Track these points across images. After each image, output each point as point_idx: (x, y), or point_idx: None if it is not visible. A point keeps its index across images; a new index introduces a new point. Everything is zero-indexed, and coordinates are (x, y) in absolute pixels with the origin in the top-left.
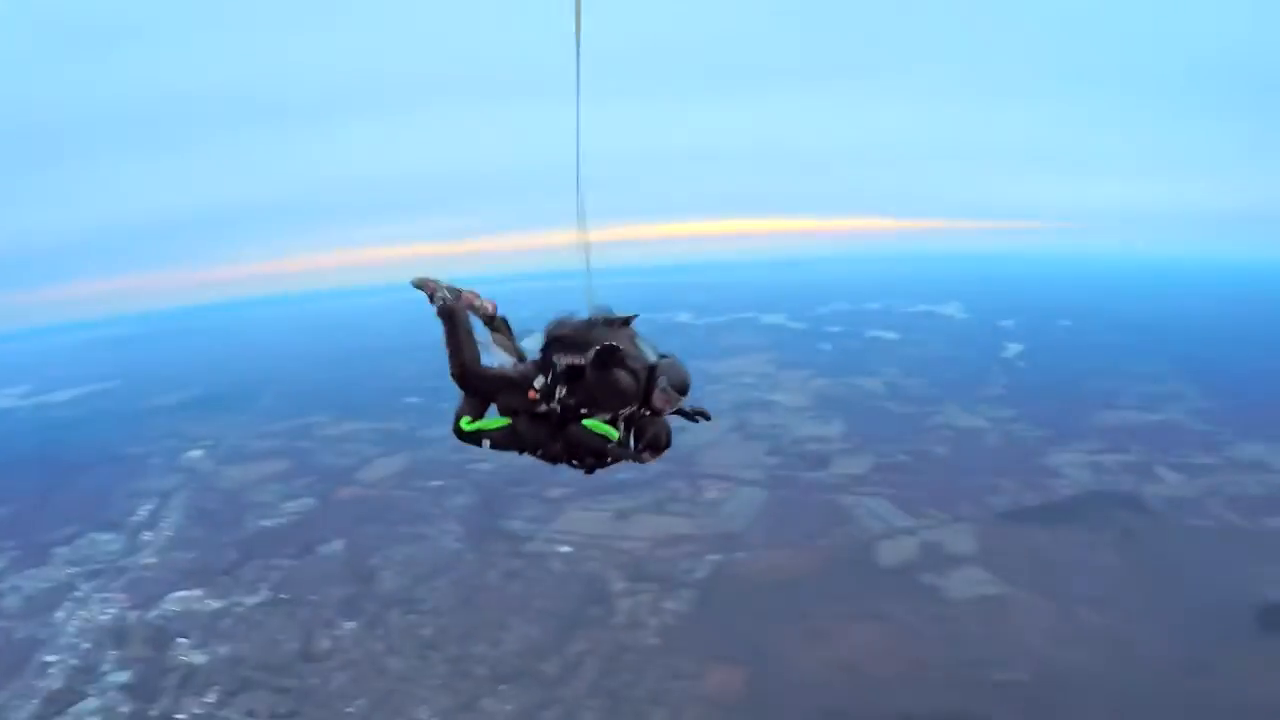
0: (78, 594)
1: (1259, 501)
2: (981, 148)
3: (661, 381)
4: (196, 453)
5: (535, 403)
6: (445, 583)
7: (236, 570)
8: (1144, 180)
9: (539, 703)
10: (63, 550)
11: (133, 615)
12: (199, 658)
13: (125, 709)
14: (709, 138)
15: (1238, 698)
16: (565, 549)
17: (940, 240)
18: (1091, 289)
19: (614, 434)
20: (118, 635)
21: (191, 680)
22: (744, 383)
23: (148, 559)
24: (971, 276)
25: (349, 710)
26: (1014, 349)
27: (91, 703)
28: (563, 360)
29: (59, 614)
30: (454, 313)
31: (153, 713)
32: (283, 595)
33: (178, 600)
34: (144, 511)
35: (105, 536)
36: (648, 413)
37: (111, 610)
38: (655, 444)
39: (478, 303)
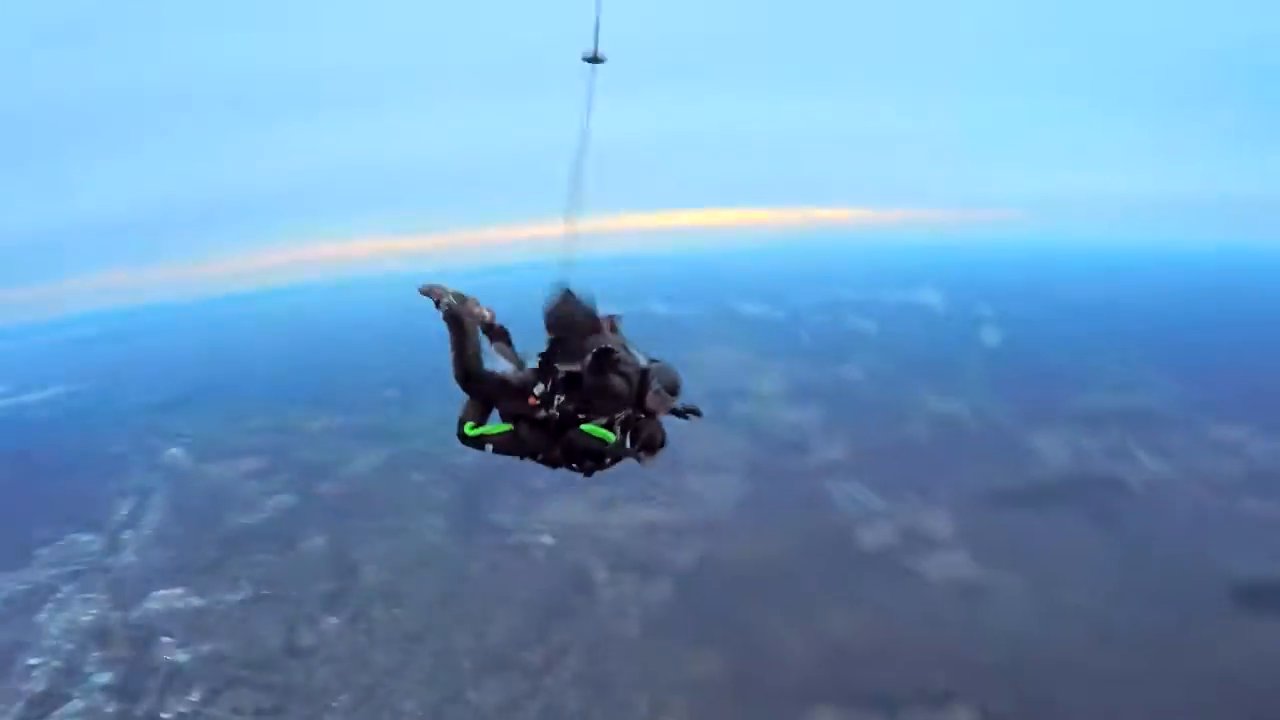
0: (59, 595)
1: (1234, 482)
2: (958, 137)
3: (654, 384)
4: (176, 450)
5: (535, 408)
6: (428, 576)
7: (218, 568)
8: (1118, 169)
9: (524, 693)
10: (43, 551)
11: (115, 615)
12: (183, 656)
13: (110, 710)
14: (684, 128)
15: (1212, 673)
16: (548, 540)
17: (917, 229)
18: (1068, 276)
19: (611, 437)
20: (100, 636)
21: (176, 679)
22: (722, 372)
23: (129, 558)
24: (948, 264)
25: (334, 705)
26: (991, 335)
27: (76, 704)
28: (561, 368)
29: (40, 616)
30: (459, 318)
31: (137, 713)
32: (265, 592)
33: (160, 599)
34: (124, 511)
35: (86, 537)
36: (642, 415)
37: (94, 611)
38: (651, 445)
39: (476, 310)
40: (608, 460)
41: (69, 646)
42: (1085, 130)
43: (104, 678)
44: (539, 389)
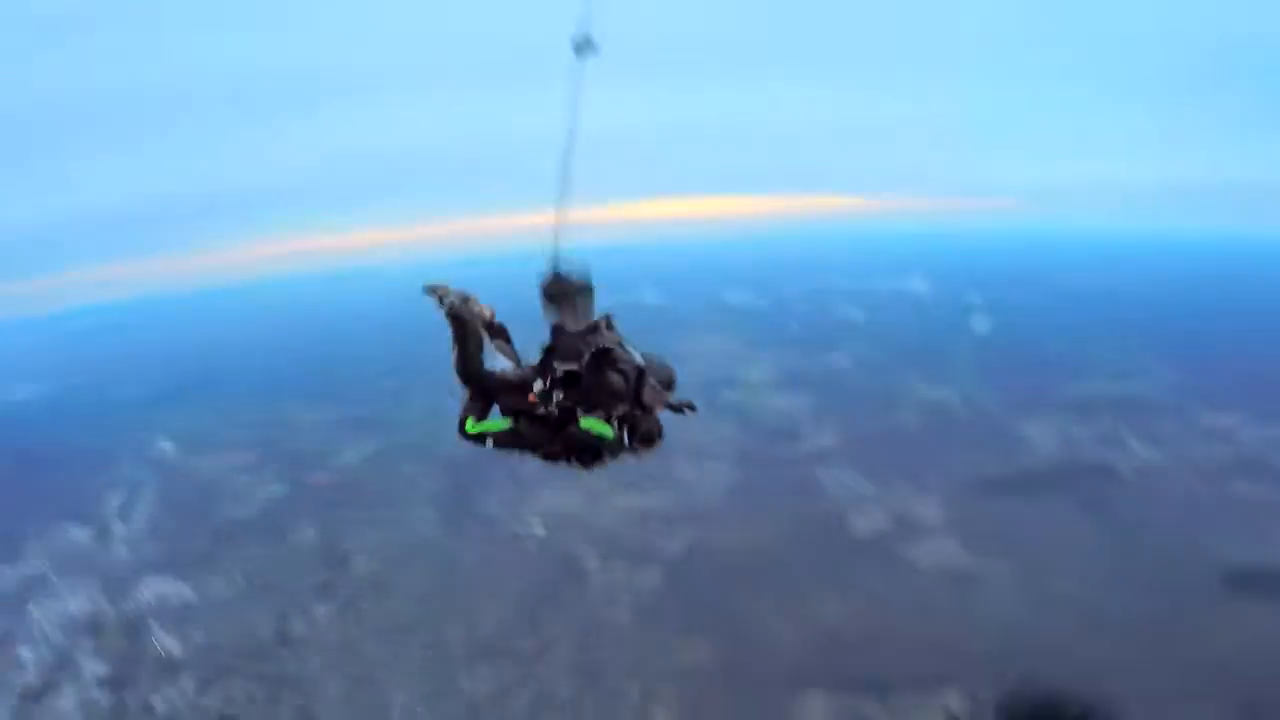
0: (51, 587)
1: (1225, 469)
2: (956, 124)
3: (650, 380)
4: (166, 443)
5: (535, 405)
6: (419, 566)
7: (210, 559)
8: (1120, 156)
9: (515, 680)
10: (34, 544)
11: (107, 607)
12: (175, 646)
13: (103, 701)
14: (676, 116)
15: (1202, 658)
16: (538, 529)
17: (909, 216)
18: (1063, 264)
19: (609, 432)
20: (93, 627)
21: (168, 669)
22: (712, 360)
23: (120, 550)
24: (940, 252)
25: (326, 694)
26: (981, 323)
27: (69, 696)
28: (560, 367)
29: (32, 608)
30: (462, 317)
31: (130, 703)
32: (256, 582)
33: (152, 590)
34: (115, 503)
35: (77, 529)
36: (639, 410)
37: (85, 603)
38: (648, 438)
39: (477, 308)
40: (606, 454)
41: (61, 638)
42: (1086, 118)
43: (96, 668)
44: (538, 386)
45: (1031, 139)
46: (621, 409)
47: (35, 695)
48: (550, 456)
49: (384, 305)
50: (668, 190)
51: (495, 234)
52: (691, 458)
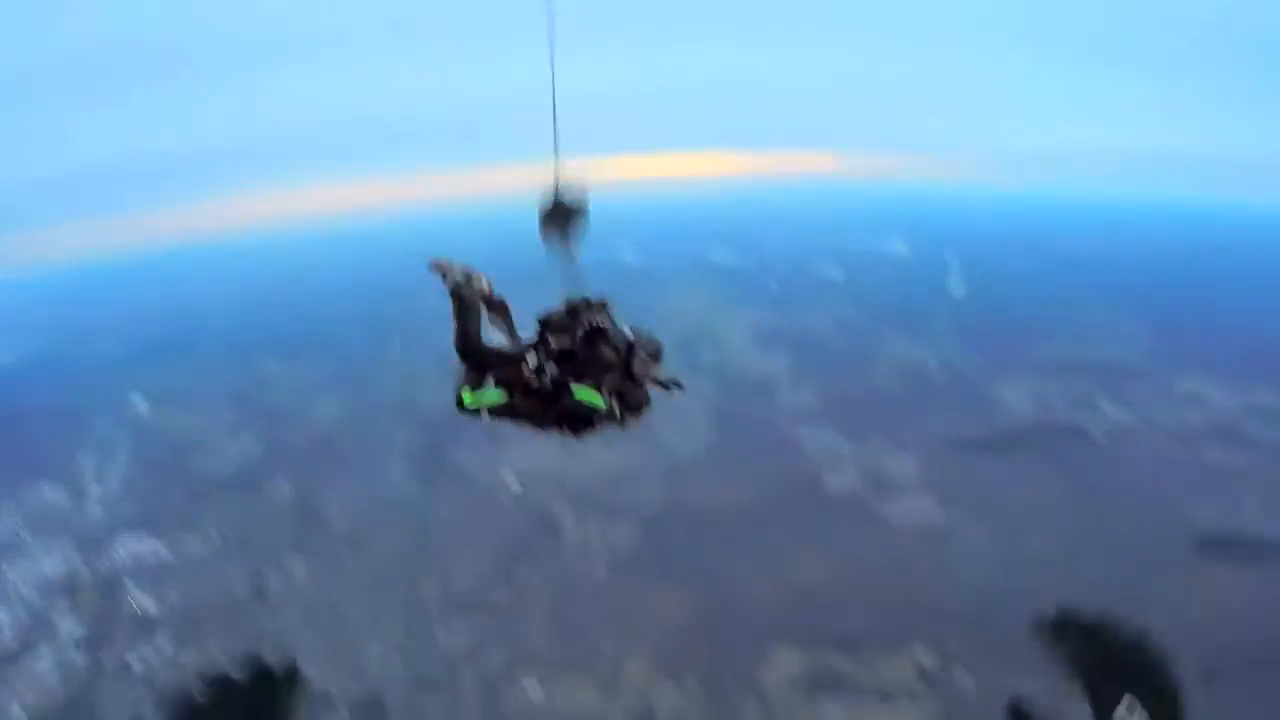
0: (25, 548)
1: (1197, 433)
2: (940, 85)
3: (639, 353)
4: (140, 401)
5: (529, 378)
6: (395, 522)
7: (185, 517)
8: (1089, 121)
9: (491, 634)
10: (8, 505)
11: (82, 567)
12: (151, 605)
13: (80, 661)
14: (653, 73)
15: (1173, 620)
16: (514, 484)
17: (890, 176)
18: (1035, 227)
19: (600, 401)
20: (68, 588)
21: (145, 628)
22: (689, 319)
23: (95, 510)
24: (920, 214)
25: (302, 648)
26: (958, 284)
27: (46, 657)
28: (555, 341)
29: (6, 569)
30: (464, 295)
31: (107, 662)
32: (232, 539)
33: (127, 549)
34: (89, 463)
35: (51, 489)
36: (629, 382)
37: (61, 563)
38: (637, 408)
39: (479, 283)
40: (597, 423)
41: (36, 599)
42: (1085, 83)
43: (73, 629)
44: (532, 360)
45: (1025, 102)
46: (612, 380)
47: (11, 657)
48: (544, 427)
49: (359, 263)
50: (648, 146)
51: (471, 191)
52: (668, 415)
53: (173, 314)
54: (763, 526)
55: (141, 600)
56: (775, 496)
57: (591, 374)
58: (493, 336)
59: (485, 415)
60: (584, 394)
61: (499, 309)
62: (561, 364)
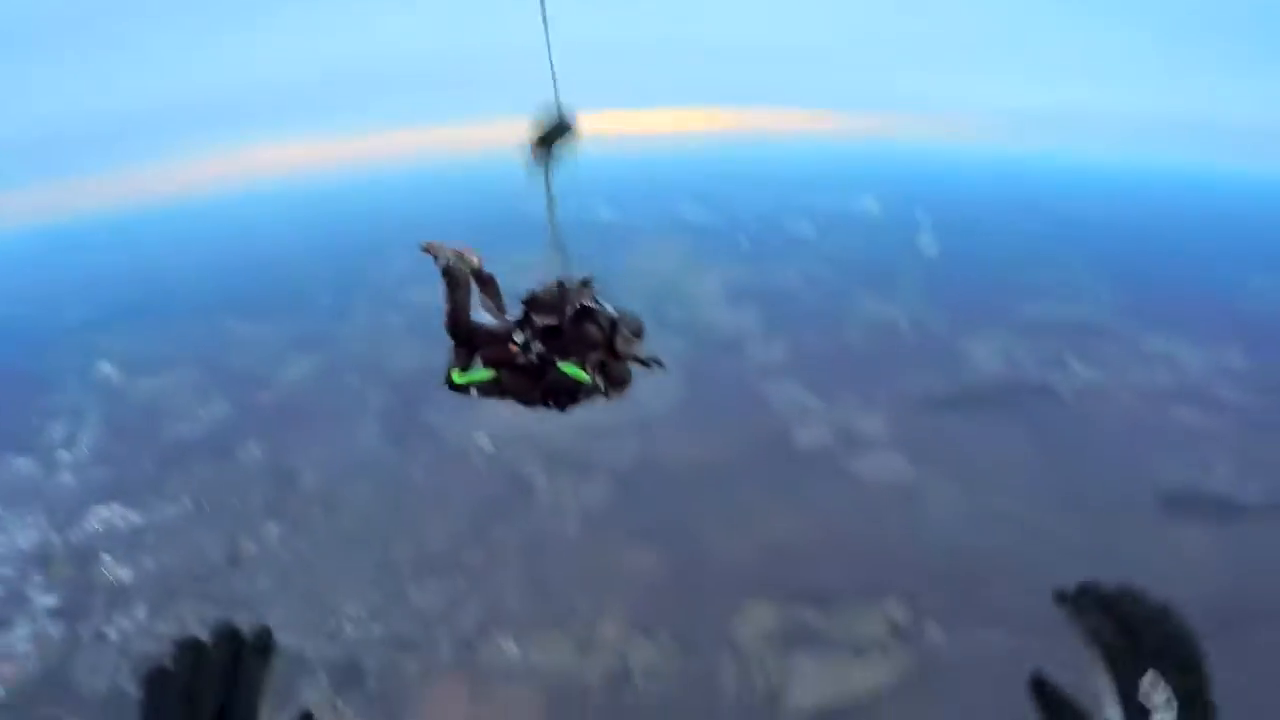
0: None
1: (1164, 392)
2: (906, 42)
3: (622, 330)
4: (107, 367)
5: (515, 355)
6: (366, 481)
7: (156, 482)
8: (1065, 81)
9: (465, 594)
10: None
11: (55, 537)
12: (125, 573)
13: (56, 633)
14: (624, 29)
15: (1138, 577)
16: (485, 443)
17: (863, 133)
18: (1006, 186)
19: (585, 376)
20: (41, 559)
21: (120, 597)
22: (659, 274)
23: (65, 479)
24: (888, 170)
25: (278, 611)
26: (929, 242)
27: (21, 629)
28: (540, 319)
29: None
30: (455, 273)
31: (83, 633)
32: (205, 504)
33: (99, 518)
34: (58, 431)
35: (20, 459)
36: (612, 358)
37: (33, 534)
38: (620, 382)
39: (469, 259)
40: (581, 397)
41: (9, 571)
42: (1076, 40)
43: (48, 600)
44: (519, 338)
45: (978, 58)
46: (596, 357)
47: None
48: (529, 402)
49: (326, 221)
50: (620, 103)
51: (438, 147)
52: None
53: (138, 277)
54: (734, 482)
55: (115, 568)
56: (746, 453)
57: (576, 351)
58: (481, 316)
59: (474, 393)
60: (569, 369)
61: (488, 284)
62: (547, 341)
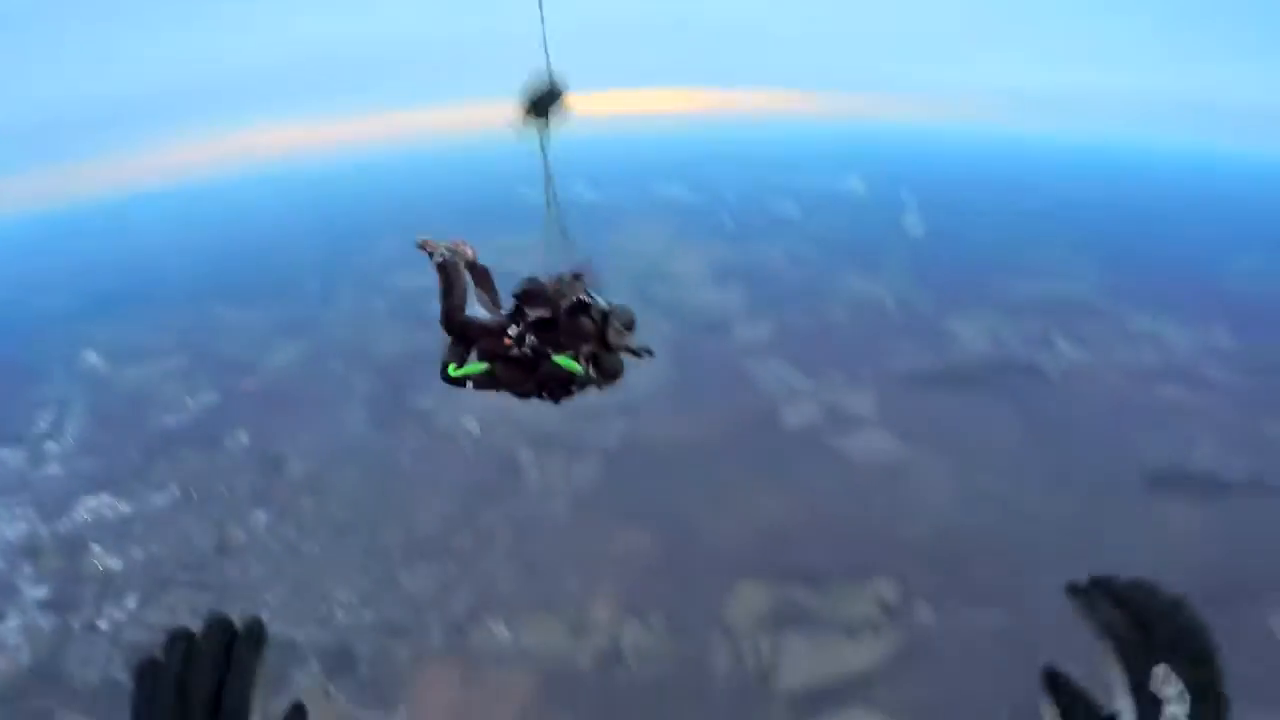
0: None
1: (1150, 371)
2: (889, 22)
3: (614, 323)
4: (93, 356)
5: (509, 348)
6: (354, 465)
7: (144, 471)
8: (1051, 61)
9: (456, 577)
10: None
11: (44, 528)
12: (115, 563)
13: (46, 625)
14: (604, 8)
15: (1124, 555)
16: (473, 425)
17: (847, 114)
18: (992, 165)
19: (578, 368)
20: (30, 550)
21: (110, 587)
22: (644, 254)
23: (53, 469)
24: (873, 150)
25: (269, 598)
26: (914, 222)
27: (12, 621)
28: (533, 312)
29: None
30: (449, 269)
31: (74, 624)
32: (193, 492)
33: (88, 508)
34: (44, 422)
35: (7, 451)
36: (604, 349)
37: (22, 525)
38: (612, 373)
39: (463, 251)
40: (574, 388)
41: None
42: (1050, 21)
43: (38, 592)
44: (513, 331)
45: (963, 40)
46: (588, 349)
47: None
48: (524, 393)
49: (310, 206)
50: (603, 84)
51: (437, 127)
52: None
53: (122, 265)
54: (723, 462)
55: (105, 559)
56: (734, 432)
57: (569, 343)
58: (476, 310)
59: (470, 385)
60: (563, 361)
61: (483, 276)
62: (540, 333)
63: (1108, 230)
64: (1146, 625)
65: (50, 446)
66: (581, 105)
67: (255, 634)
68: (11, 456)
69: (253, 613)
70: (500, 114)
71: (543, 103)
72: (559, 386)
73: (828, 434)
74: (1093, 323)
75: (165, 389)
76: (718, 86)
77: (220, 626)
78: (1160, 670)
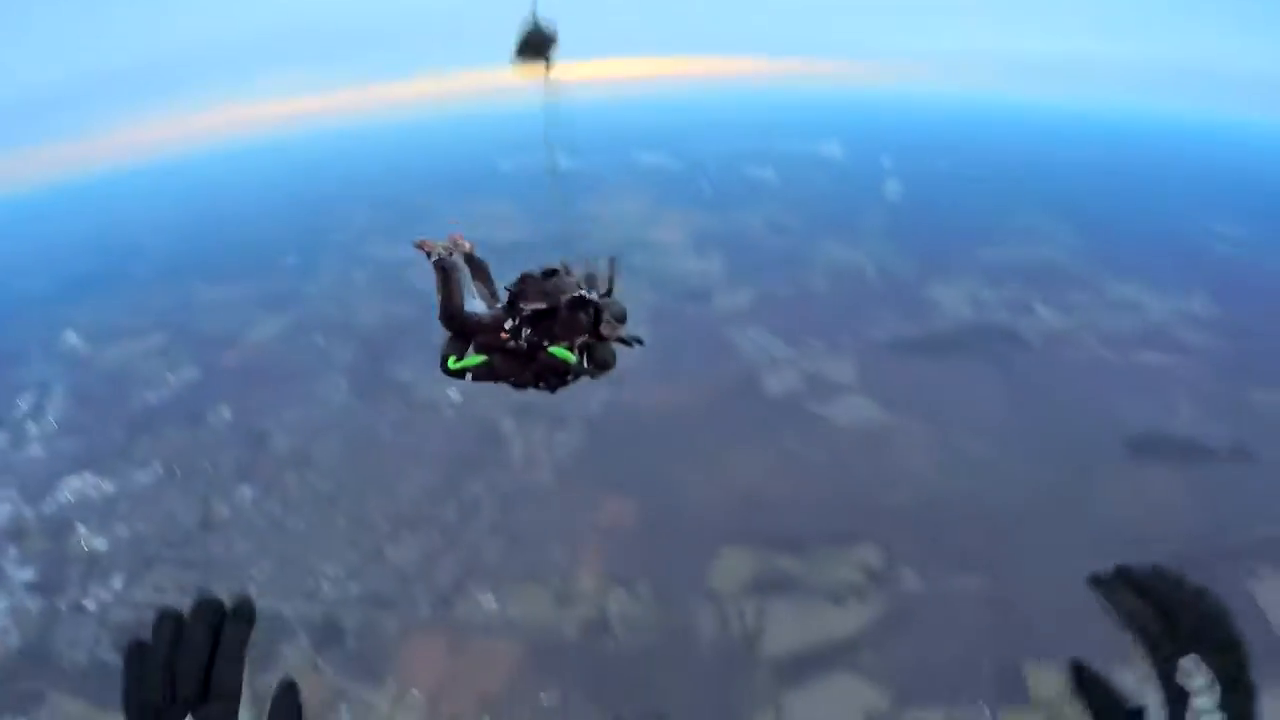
0: None
1: (1129, 336)
2: None
3: (607, 315)
4: (73, 337)
5: (506, 341)
6: (337, 438)
7: (127, 450)
8: (1025, 25)
9: (441, 548)
10: None
11: (28, 510)
12: (100, 543)
13: (34, 607)
14: None
15: (1106, 519)
16: (455, 395)
17: (822, 79)
18: (971, 131)
19: (573, 358)
20: (15, 533)
21: (96, 567)
22: (623, 222)
23: (35, 451)
24: (851, 116)
25: (255, 574)
26: (893, 187)
27: None
28: (528, 305)
29: None
30: (447, 267)
31: (61, 605)
32: (177, 469)
33: (71, 488)
34: (24, 404)
35: None
36: (597, 340)
37: (5, 507)
38: (604, 363)
39: (460, 243)
40: (569, 378)
41: None
42: None
43: (24, 574)
44: (509, 324)
45: (978, 6)
46: (582, 340)
47: None
48: (521, 384)
49: (284, 180)
50: (581, 52)
51: (400, 100)
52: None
53: (99, 245)
54: (705, 430)
55: (90, 538)
56: (716, 400)
57: (565, 335)
58: (473, 305)
59: (469, 377)
60: (559, 352)
61: (480, 269)
62: (535, 325)
63: (1088, 197)
64: (1170, 615)
65: (31, 428)
66: (561, 74)
67: (244, 613)
68: None
69: (239, 589)
70: (473, 84)
71: (536, 45)
72: (555, 376)
73: (809, 401)
74: (1074, 289)
75: (146, 367)
76: (697, 53)
77: (209, 607)
78: (1187, 662)
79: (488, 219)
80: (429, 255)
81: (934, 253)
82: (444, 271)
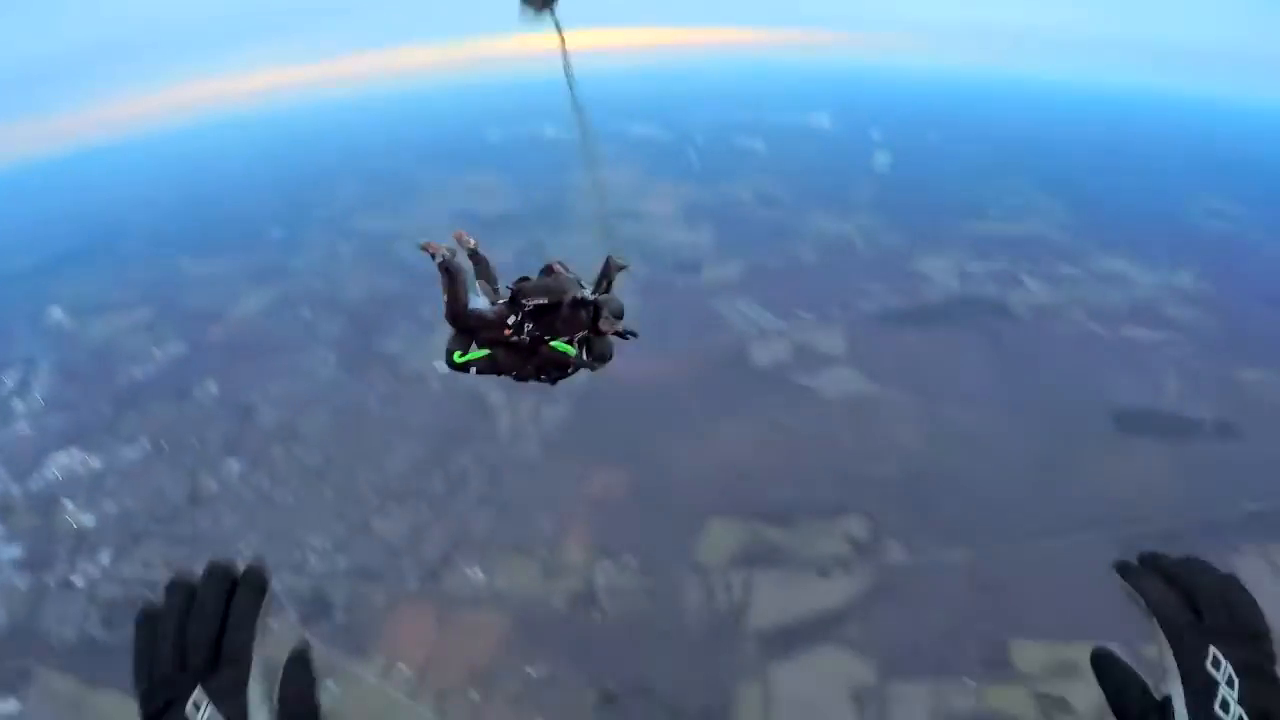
0: None
1: (1118, 311)
2: None
3: (605, 312)
4: (58, 312)
5: (509, 336)
6: (324, 411)
7: (114, 425)
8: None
9: (429, 520)
10: None
11: (15, 487)
12: (88, 519)
13: (21, 584)
14: None
15: (1092, 493)
16: (441, 366)
17: (812, 51)
18: (960, 104)
19: (573, 351)
20: (2, 510)
21: (84, 543)
22: (613, 193)
23: (22, 428)
24: (840, 88)
25: (243, 547)
26: (882, 159)
27: None
28: (530, 302)
29: None
30: (452, 267)
31: (49, 582)
32: (164, 444)
33: (59, 465)
34: (10, 380)
35: None
36: (595, 335)
37: None
38: (602, 356)
39: (465, 240)
40: (569, 370)
41: None
42: None
43: (11, 551)
44: (512, 320)
45: None
46: (581, 334)
47: None
48: (523, 377)
49: (267, 152)
50: (570, 22)
51: (385, 72)
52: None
53: (82, 220)
54: (693, 402)
55: (78, 515)
56: (704, 372)
57: (565, 330)
58: (477, 302)
59: (474, 370)
60: (559, 346)
61: (483, 264)
62: (536, 321)
63: (1078, 171)
64: (1197, 605)
65: (18, 404)
66: (545, 43)
67: (256, 582)
68: None
69: (256, 562)
70: (462, 54)
71: None
72: (556, 369)
73: (797, 373)
74: (1062, 262)
75: (132, 342)
76: (687, 24)
77: (220, 574)
78: (1214, 653)
79: (476, 191)
80: (434, 257)
81: (923, 225)
82: (449, 273)
